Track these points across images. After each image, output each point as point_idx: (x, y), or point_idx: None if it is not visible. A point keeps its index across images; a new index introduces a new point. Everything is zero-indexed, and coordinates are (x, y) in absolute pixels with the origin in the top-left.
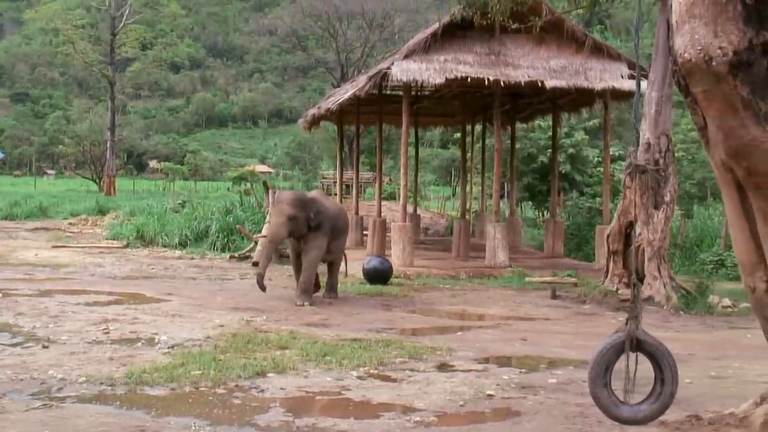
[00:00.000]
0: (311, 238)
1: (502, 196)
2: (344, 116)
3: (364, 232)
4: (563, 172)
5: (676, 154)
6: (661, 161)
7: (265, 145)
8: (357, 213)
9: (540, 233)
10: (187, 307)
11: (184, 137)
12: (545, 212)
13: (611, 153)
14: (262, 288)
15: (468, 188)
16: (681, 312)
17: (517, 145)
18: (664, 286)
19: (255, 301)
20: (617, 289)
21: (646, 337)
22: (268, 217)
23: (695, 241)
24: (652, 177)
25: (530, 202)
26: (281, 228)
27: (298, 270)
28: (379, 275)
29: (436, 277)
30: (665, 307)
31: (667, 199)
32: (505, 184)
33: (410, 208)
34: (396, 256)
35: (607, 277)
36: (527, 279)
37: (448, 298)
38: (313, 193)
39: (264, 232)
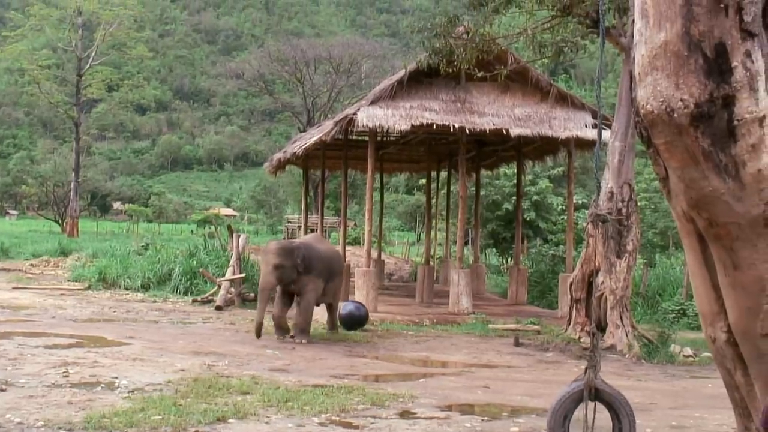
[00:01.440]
0: (305, 282)
1: (466, 243)
2: (310, 161)
3: None
4: (527, 219)
5: (638, 203)
6: (624, 210)
7: (231, 188)
8: None
9: (504, 280)
10: (149, 351)
11: (149, 179)
12: (509, 259)
13: (575, 201)
14: (258, 335)
15: (432, 234)
16: (643, 361)
17: (482, 192)
18: (626, 335)
19: (217, 345)
20: (579, 337)
21: (604, 387)
22: (231, 261)
23: (657, 290)
24: (613, 226)
25: (494, 249)
26: (269, 276)
27: (283, 305)
28: (354, 321)
29: (400, 323)
30: (627, 356)
31: (630, 248)
32: (470, 230)
33: (374, 254)
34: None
35: (569, 324)
36: (490, 326)
37: (412, 344)
38: (308, 238)
39: (228, 275)
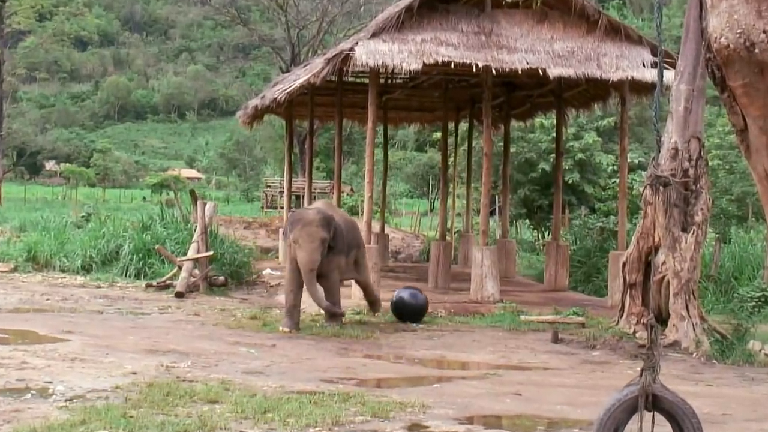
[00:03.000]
0: (329, 259)
1: (492, 213)
2: (295, 109)
3: None
4: (570, 182)
5: (710, 163)
6: (691, 171)
7: (194, 143)
8: None
9: (539, 260)
10: (91, 349)
11: (91, 132)
12: (546, 233)
13: (630, 160)
14: (341, 313)
15: (449, 202)
16: (714, 361)
17: (512, 149)
18: (694, 329)
19: (177, 341)
20: (635, 332)
21: (664, 393)
22: (195, 236)
23: (733, 271)
24: (677, 191)
25: (527, 221)
26: (316, 254)
27: (299, 288)
28: (408, 311)
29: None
30: (694, 355)
31: (698, 219)
32: (497, 197)
33: (376, 226)
34: (358, 288)
35: (622, 316)
36: (522, 317)
37: (423, 340)
38: (322, 207)
39: (191, 253)
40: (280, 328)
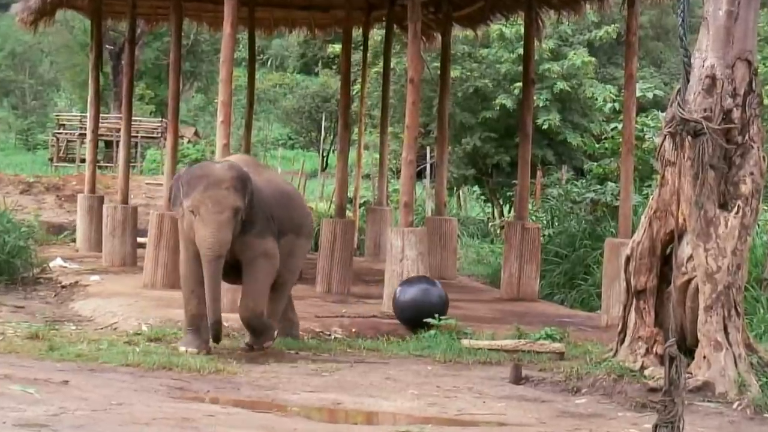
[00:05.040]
0: (250, 240)
1: (420, 175)
2: (106, 3)
3: (140, 240)
4: (545, 128)
5: (765, 99)
6: (736, 113)
7: None
8: (125, 201)
9: (495, 251)
10: None
11: None
12: (506, 209)
13: (640, 94)
14: (217, 339)
15: (353, 157)
16: (767, 415)
17: (455, 73)
18: (736, 363)
19: None
20: (643, 367)
21: None
22: None
23: None
24: (715, 144)
25: (476, 188)
26: (225, 231)
27: (200, 284)
28: (422, 313)
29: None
30: (737, 405)
31: (746, 189)
32: (428, 150)
33: None
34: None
35: (623, 342)
36: (466, 342)
37: (307, 377)
38: (237, 162)
39: None
40: (181, 348)
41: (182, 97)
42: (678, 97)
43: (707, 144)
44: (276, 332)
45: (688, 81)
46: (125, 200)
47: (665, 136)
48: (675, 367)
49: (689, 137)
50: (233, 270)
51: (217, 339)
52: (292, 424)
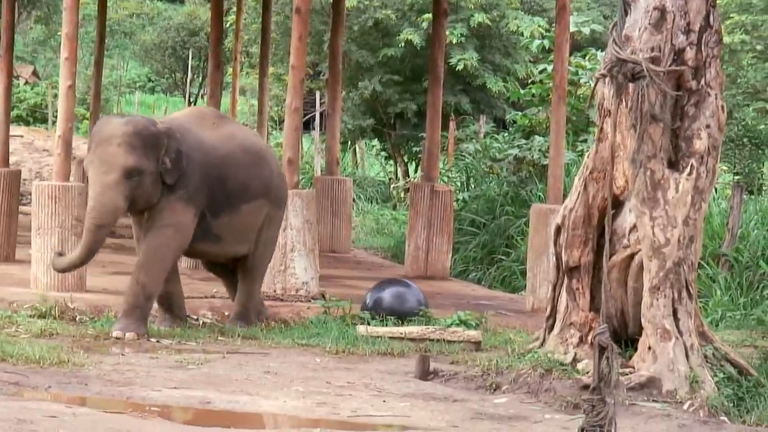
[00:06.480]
0: (163, 207)
1: (307, 126)
2: None
3: None
4: (459, 69)
5: (727, 39)
6: (690, 53)
7: None
8: None
9: (398, 219)
10: None
11: None
12: (413, 167)
13: (575, 29)
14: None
15: (227, 103)
16: (724, 417)
17: (350, 2)
18: (686, 355)
19: None
20: (575, 360)
21: None
22: None
23: (764, 245)
24: (661, 91)
25: (376, 142)
26: (113, 195)
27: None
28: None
29: None
30: (688, 406)
31: (700, 145)
32: (318, 94)
33: (84, 148)
34: (41, 272)
35: (552, 329)
36: (362, 329)
37: (171, 370)
38: (181, 117)
39: None
40: (112, 332)
41: (17, 29)
42: (614, 33)
43: (647, 90)
44: (145, 331)
45: (627, 13)
46: None
47: (599, 79)
48: (606, 360)
49: (629, 81)
50: None
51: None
52: (150, 427)
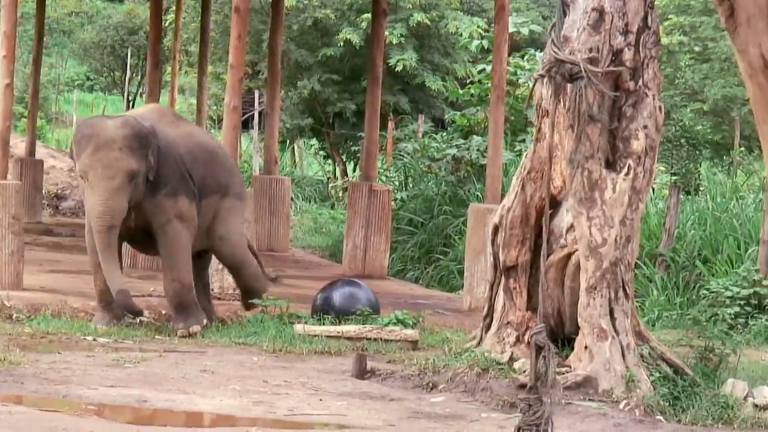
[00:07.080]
0: (161, 205)
1: (246, 124)
2: None
3: None
4: (398, 69)
5: (664, 40)
6: (628, 54)
7: None
8: None
9: (336, 218)
10: None
11: None
12: (352, 166)
13: (513, 28)
14: (136, 311)
15: (165, 101)
16: (660, 417)
17: (290, 2)
18: (623, 354)
19: None
20: (512, 359)
21: None
22: None
23: (701, 248)
24: (598, 92)
25: (314, 141)
26: (118, 199)
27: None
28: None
29: (82, 318)
30: (623, 404)
31: (638, 146)
32: (257, 93)
33: (20, 146)
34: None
35: (489, 328)
36: (299, 328)
37: (106, 368)
38: (143, 112)
39: None
40: (177, 332)
41: None
42: (553, 33)
43: (585, 90)
44: (204, 319)
45: (566, 14)
46: None
47: (537, 77)
48: (543, 359)
49: (567, 82)
50: (145, 236)
51: (132, 311)
52: (87, 425)
